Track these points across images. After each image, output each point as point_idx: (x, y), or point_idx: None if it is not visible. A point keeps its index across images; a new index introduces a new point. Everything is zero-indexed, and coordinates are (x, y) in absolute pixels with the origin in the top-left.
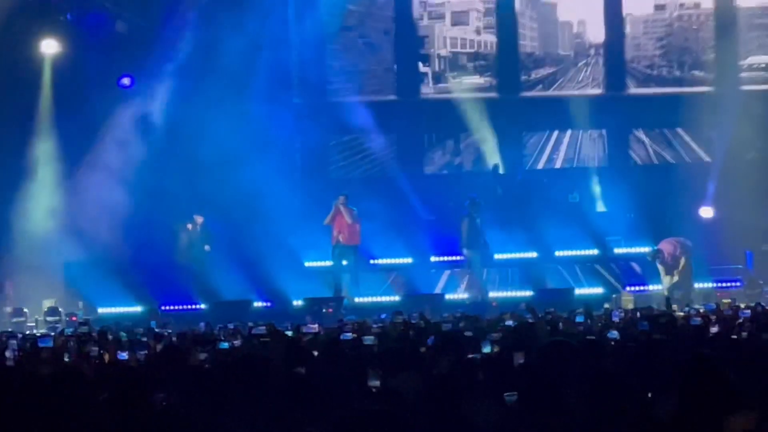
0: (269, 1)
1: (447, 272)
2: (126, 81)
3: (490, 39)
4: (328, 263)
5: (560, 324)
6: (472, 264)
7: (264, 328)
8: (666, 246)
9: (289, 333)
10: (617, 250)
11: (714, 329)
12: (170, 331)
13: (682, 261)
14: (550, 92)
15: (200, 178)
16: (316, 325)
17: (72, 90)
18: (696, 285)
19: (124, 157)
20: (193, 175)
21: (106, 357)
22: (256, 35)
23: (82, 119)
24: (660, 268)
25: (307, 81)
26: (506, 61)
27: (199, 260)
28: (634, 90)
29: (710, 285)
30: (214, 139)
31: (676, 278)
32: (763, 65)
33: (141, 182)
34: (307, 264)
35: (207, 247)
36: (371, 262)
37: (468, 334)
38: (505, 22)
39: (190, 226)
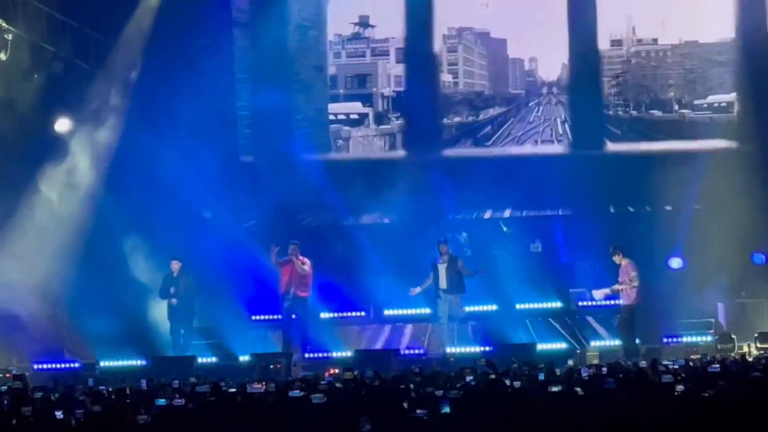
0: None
1: (405, 326)
2: (63, 124)
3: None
4: (277, 317)
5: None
6: (443, 313)
7: (207, 386)
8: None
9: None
10: (581, 303)
11: (680, 387)
12: (110, 388)
13: (633, 285)
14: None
15: (139, 228)
16: (263, 384)
17: (6, 133)
18: (665, 340)
19: (56, 203)
20: (130, 224)
21: None
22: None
23: (15, 165)
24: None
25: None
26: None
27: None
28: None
29: (681, 339)
30: (155, 185)
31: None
32: (724, 104)
33: (78, 232)
34: (254, 318)
35: (172, 290)
36: (322, 315)
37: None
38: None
39: (173, 290)
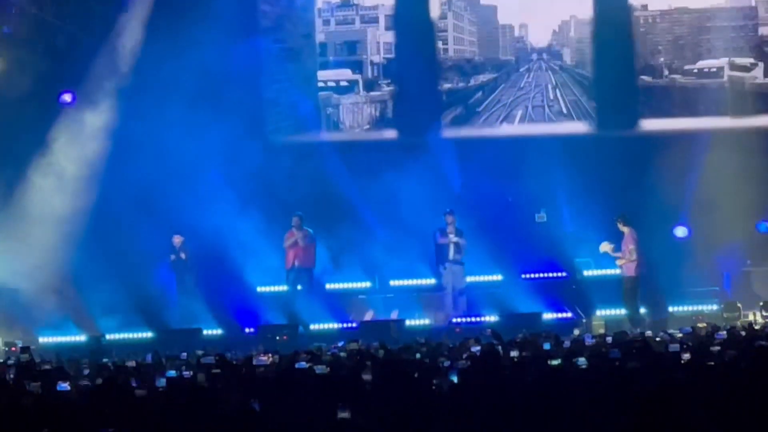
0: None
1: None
2: (67, 97)
3: None
4: (282, 288)
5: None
6: (448, 284)
7: (213, 358)
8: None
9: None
10: (587, 273)
11: (686, 356)
12: (115, 360)
13: (631, 259)
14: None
15: (146, 200)
16: (269, 356)
17: (10, 107)
18: (671, 308)
19: (65, 177)
20: (139, 196)
21: None
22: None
23: (21, 137)
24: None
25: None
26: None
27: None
28: None
29: (687, 308)
30: (160, 159)
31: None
32: (714, 69)
33: (85, 203)
34: (259, 289)
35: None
36: (327, 286)
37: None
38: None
39: (173, 257)
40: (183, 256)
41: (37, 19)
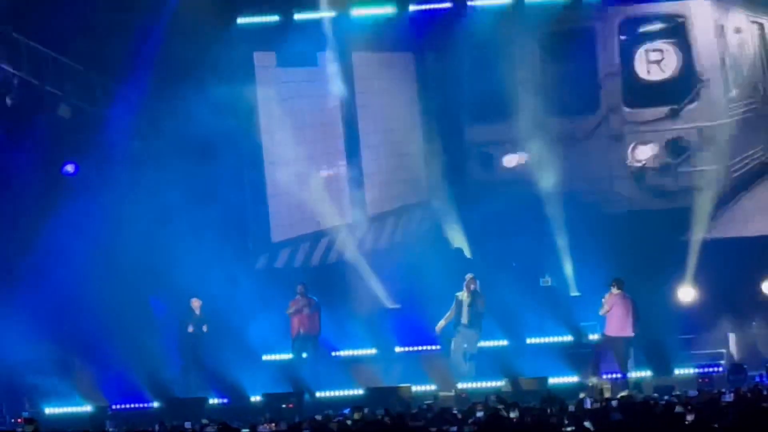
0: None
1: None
2: (70, 168)
3: None
4: (288, 356)
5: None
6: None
7: (215, 427)
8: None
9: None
10: (592, 336)
11: (690, 417)
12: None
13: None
14: None
15: (152, 269)
16: (273, 425)
17: (14, 177)
18: (677, 371)
19: (69, 245)
20: (144, 265)
21: None
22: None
23: (25, 207)
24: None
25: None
26: None
27: (201, 351)
28: None
29: (691, 371)
30: (168, 227)
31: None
32: None
33: (88, 272)
34: (265, 357)
35: (205, 328)
36: (333, 354)
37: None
38: None
39: (191, 328)
40: (205, 329)
41: (40, 91)
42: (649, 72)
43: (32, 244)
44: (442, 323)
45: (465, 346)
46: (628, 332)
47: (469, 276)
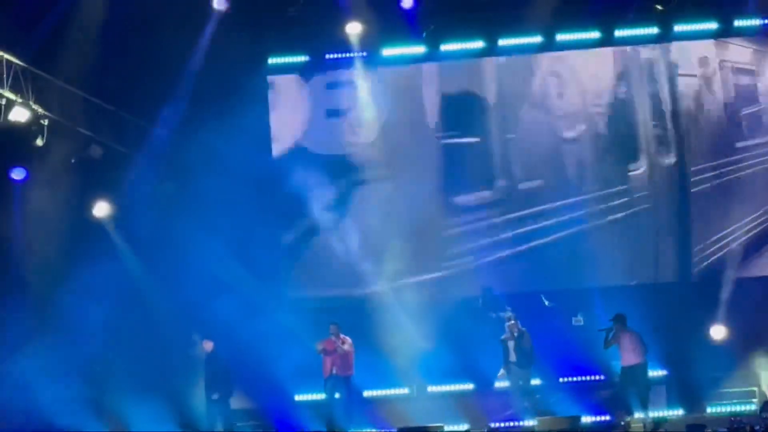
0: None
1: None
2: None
3: None
4: (321, 396)
5: None
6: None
7: None
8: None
9: None
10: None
11: None
12: None
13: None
14: None
15: (183, 307)
16: None
17: (44, 219)
18: (709, 409)
19: (101, 285)
20: (176, 305)
21: None
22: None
23: (54, 249)
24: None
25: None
26: None
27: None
28: None
29: (724, 409)
30: (197, 265)
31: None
32: None
33: (121, 312)
34: (297, 398)
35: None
36: (365, 393)
37: None
38: None
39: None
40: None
41: (70, 131)
42: None
43: (65, 283)
44: (502, 371)
45: (521, 383)
46: (641, 359)
47: (510, 322)
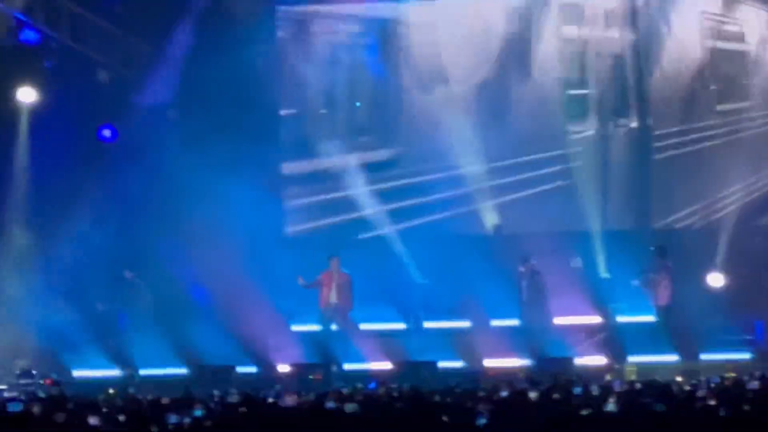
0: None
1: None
2: (107, 132)
3: None
4: (317, 327)
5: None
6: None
7: (237, 396)
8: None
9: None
10: (620, 319)
11: (712, 402)
12: (150, 397)
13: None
14: None
15: (184, 238)
16: (295, 396)
17: (50, 140)
18: (703, 356)
19: (105, 213)
20: (177, 235)
21: None
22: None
23: (61, 172)
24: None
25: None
26: None
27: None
28: None
29: (718, 356)
30: (200, 197)
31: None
32: None
33: (122, 240)
34: (294, 328)
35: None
36: (361, 327)
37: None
38: None
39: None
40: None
41: (79, 55)
42: None
43: (70, 206)
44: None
45: (531, 323)
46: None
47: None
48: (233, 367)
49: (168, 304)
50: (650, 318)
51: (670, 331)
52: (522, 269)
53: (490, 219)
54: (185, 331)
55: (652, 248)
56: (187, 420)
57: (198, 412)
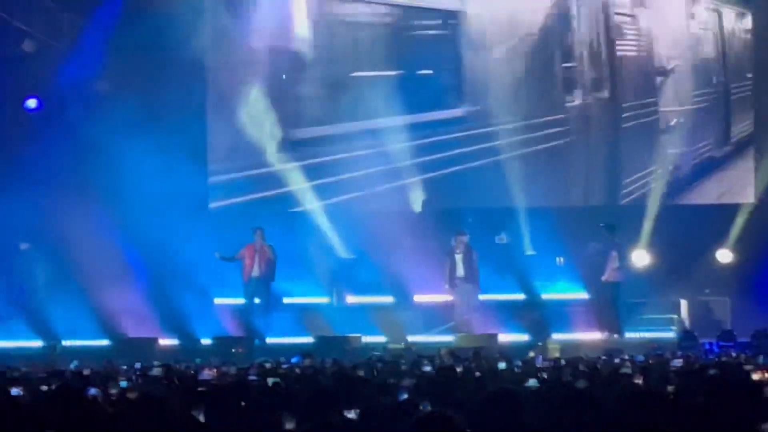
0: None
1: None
2: (32, 103)
3: None
4: (240, 301)
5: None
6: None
7: (160, 369)
8: None
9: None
10: (545, 296)
11: (638, 380)
12: (72, 368)
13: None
14: None
15: (106, 207)
16: (216, 370)
17: None
18: (628, 334)
19: (26, 180)
20: (97, 204)
21: None
22: (172, 57)
23: None
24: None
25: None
26: None
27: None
28: None
29: (643, 335)
30: (122, 167)
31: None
32: None
33: (43, 208)
34: (217, 301)
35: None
36: (284, 300)
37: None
38: None
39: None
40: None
41: (5, 24)
42: None
43: None
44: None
45: (466, 300)
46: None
47: (462, 236)
48: (155, 339)
49: (86, 274)
50: (575, 296)
51: (616, 308)
52: (454, 243)
53: (417, 195)
54: (107, 303)
55: (601, 225)
56: (113, 391)
57: (123, 384)
